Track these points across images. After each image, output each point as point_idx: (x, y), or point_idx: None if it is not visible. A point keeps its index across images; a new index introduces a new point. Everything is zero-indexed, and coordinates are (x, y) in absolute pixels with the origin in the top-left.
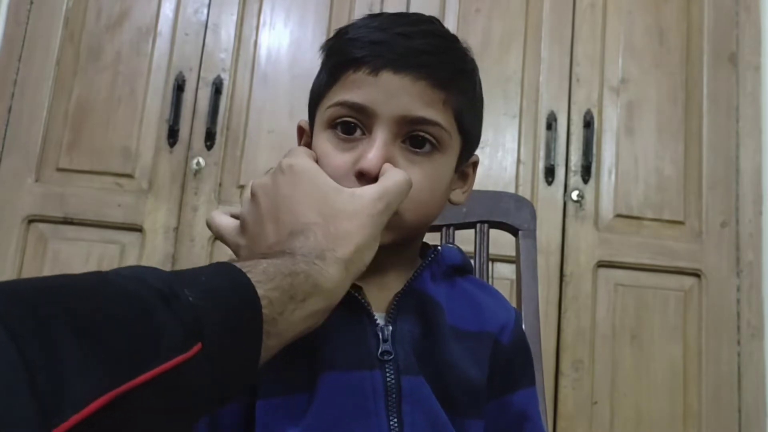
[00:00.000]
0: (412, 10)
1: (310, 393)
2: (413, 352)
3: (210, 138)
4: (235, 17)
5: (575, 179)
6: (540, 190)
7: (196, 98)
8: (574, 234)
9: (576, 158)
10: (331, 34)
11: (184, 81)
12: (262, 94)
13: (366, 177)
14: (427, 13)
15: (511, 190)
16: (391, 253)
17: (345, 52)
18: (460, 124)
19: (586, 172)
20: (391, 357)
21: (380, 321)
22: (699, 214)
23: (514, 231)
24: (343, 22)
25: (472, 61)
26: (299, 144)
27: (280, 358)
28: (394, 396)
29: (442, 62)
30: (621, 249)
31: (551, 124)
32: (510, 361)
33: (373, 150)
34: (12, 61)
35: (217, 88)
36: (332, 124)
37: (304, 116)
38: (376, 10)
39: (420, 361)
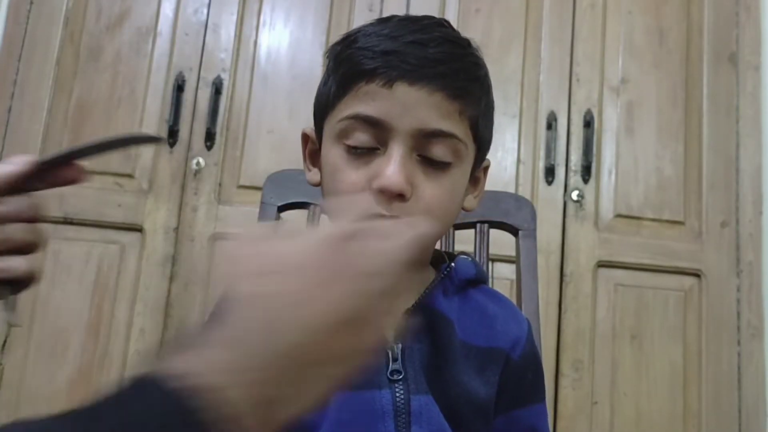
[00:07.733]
0: (412, 9)
1: (319, 412)
2: (423, 370)
3: (210, 138)
4: (235, 17)
5: (575, 179)
6: (540, 190)
7: (196, 98)
8: (574, 234)
9: (576, 158)
10: (332, 34)
11: (184, 81)
12: (262, 94)
13: (386, 194)
14: (426, 12)
15: (511, 190)
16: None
17: (356, 62)
18: (475, 133)
19: (586, 172)
20: (401, 376)
21: (390, 339)
22: (699, 214)
23: (514, 231)
24: (343, 22)
25: (485, 65)
26: (304, 151)
27: None
28: (403, 416)
29: (458, 71)
30: (621, 249)
31: (551, 123)
32: (521, 376)
33: (392, 166)
34: (12, 61)
35: (217, 88)
36: (344, 138)
37: (303, 116)
38: (376, 10)
39: (429, 379)
